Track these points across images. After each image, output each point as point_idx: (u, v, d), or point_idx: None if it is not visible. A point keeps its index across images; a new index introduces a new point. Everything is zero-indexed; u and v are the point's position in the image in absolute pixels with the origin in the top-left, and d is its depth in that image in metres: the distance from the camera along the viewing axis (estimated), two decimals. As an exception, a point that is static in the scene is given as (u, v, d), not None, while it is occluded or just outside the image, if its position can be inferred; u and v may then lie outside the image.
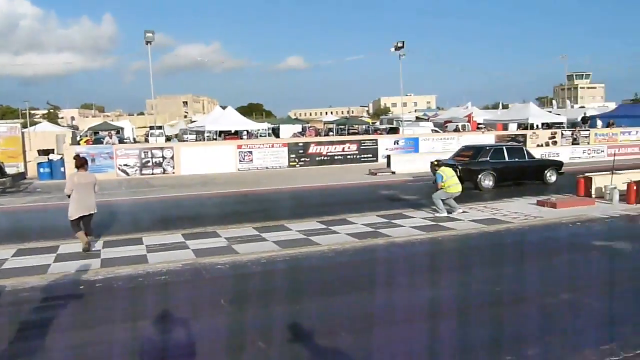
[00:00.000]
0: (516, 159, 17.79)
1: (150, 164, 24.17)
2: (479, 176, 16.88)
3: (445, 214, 12.14)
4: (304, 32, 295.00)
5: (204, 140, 35.98)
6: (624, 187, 13.52)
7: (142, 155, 24.13)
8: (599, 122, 40.16)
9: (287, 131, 44.64)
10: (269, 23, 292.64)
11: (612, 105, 68.86)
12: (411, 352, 5.20)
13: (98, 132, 42.02)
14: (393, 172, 23.38)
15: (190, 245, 9.75)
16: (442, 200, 12.33)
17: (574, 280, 7.42)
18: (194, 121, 56.43)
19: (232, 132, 38.38)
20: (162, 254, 9.14)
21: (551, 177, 18.05)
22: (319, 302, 6.73)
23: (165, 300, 6.84)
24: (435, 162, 13.48)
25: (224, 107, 41.20)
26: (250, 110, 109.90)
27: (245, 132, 39.35)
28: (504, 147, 18.23)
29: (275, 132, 45.26)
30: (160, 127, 34.39)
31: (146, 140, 38.49)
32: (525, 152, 18.53)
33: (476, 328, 5.80)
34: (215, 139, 35.67)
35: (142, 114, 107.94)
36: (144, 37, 28.53)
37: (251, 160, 25.63)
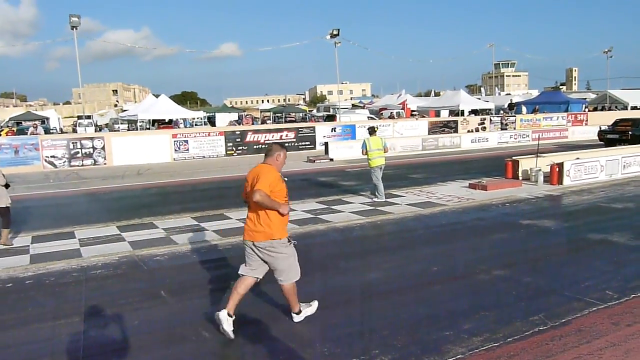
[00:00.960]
0: None
1: (79, 155, 23.10)
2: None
3: (384, 199, 12.37)
4: (238, 19, 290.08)
5: (136, 129, 34.76)
6: (548, 169, 14.36)
7: (71, 146, 23.01)
8: (524, 109, 42.26)
9: (223, 120, 43.88)
10: (202, 9, 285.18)
11: (535, 93, 72.72)
12: (352, 333, 5.31)
13: (21, 123, 39.57)
14: (331, 159, 23.60)
15: (126, 237, 9.44)
16: (378, 179, 12.53)
17: (504, 257, 7.82)
18: (125, 110, 54.30)
19: (167, 121, 37.33)
20: (97, 247, 8.81)
21: None
22: (260, 289, 6.72)
23: (102, 295, 6.61)
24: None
25: (156, 96, 39.94)
26: (184, 99, 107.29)
27: (180, 121, 38.37)
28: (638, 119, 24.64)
29: (211, 121, 44.42)
30: (89, 117, 32.94)
31: (74, 131, 36.73)
32: None
33: (415, 306, 6.01)
34: (149, 128, 34.57)
35: (68, 103, 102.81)
36: (68, 21, 27.03)
37: (187, 150, 25.07)
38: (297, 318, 5.54)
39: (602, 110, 48.14)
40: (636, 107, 47.94)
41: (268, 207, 5.14)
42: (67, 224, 10.71)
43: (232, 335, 5.13)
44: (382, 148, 12.65)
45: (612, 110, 47.27)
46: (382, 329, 5.31)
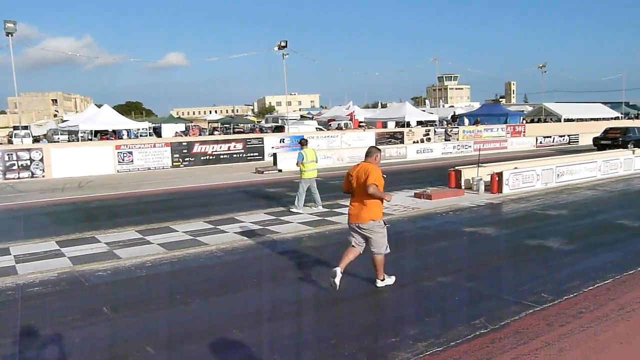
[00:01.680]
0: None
1: (15, 167, 22.03)
2: (629, 144, 25.72)
3: (302, 211, 12.51)
4: (185, 29, 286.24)
5: (78, 140, 33.55)
6: (489, 179, 14.93)
7: (6, 158, 21.91)
8: (466, 120, 43.79)
9: (170, 130, 43.13)
10: (147, 17, 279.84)
11: (477, 105, 75.49)
12: (300, 343, 5.34)
13: (-50, 133, 37.40)
14: (280, 170, 23.59)
15: (66, 252, 9.09)
16: (304, 191, 12.68)
17: (448, 264, 8.07)
18: (66, 120, 52.30)
19: (110, 131, 36.26)
20: (34, 263, 8.43)
21: None
22: (208, 302, 6.65)
23: (39, 314, 6.33)
24: None
25: (99, 106, 38.75)
26: (128, 109, 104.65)
27: (124, 132, 37.37)
28: (635, 127, 29.13)
29: (157, 132, 43.52)
30: (26, 127, 31.52)
31: (9, 142, 35.05)
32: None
33: (362, 314, 6.11)
34: (91, 139, 33.46)
35: (3, 112, 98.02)
36: (3, 27, 25.86)
37: (131, 161, 24.41)
38: (380, 283, 6.92)
39: (538, 122, 50.58)
40: (569, 119, 50.69)
41: (377, 197, 6.60)
42: (1, 239, 10.19)
43: (337, 287, 6.49)
44: (316, 160, 12.89)
45: (548, 122, 49.78)
46: (330, 338, 5.36)
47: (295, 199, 12.78)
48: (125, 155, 24.30)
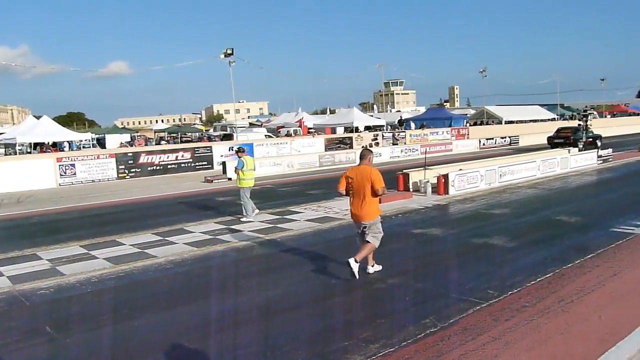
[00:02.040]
0: (589, 133, 29.10)
1: (-54, 184, 20.77)
2: (579, 142, 26.97)
3: (252, 218, 12.45)
4: (127, 36, 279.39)
5: (15, 154, 31.99)
6: (435, 181, 15.32)
7: None
8: (412, 124, 44.78)
9: (114, 141, 41.80)
10: (87, 27, 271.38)
11: (423, 109, 77.38)
12: (253, 353, 5.30)
13: None
14: (229, 179, 23.30)
15: (4, 271, 8.64)
16: (248, 199, 12.68)
17: (398, 266, 8.21)
18: (2, 133, 49.78)
19: (50, 144, 34.80)
20: (-31, 285, 7.97)
21: (598, 142, 29.36)
22: (157, 316, 6.50)
23: (-25, 337, 5.99)
24: None
25: (38, 117, 37.09)
26: (70, 120, 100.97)
27: (65, 144, 35.97)
28: (584, 127, 28.86)
29: (101, 143, 42.13)
30: (-44, 141, 29.78)
31: (-61, 157, 33.01)
32: (592, 130, 30.36)
33: (315, 319, 6.12)
34: (30, 152, 32.00)
35: None
36: None
37: (74, 174, 23.51)
38: (370, 270, 7.69)
39: (481, 124, 52.34)
40: (509, 121, 52.74)
41: (382, 196, 7.52)
42: None
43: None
44: (254, 168, 13.08)
45: (490, 124, 51.58)
46: (283, 345, 5.35)
47: (242, 210, 12.69)
48: (67, 167, 23.39)
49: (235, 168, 12.89)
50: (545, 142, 33.11)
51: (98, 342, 5.74)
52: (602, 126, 49.30)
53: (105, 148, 37.03)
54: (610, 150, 23.76)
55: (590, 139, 29.15)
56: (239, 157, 13.00)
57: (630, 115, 74.22)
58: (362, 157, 7.65)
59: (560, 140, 30.67)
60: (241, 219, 12.47)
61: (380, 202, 7.74)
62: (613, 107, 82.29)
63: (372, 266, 7.72)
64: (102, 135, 45.44)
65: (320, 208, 13.84)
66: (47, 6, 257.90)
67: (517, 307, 6.11)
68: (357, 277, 7.21)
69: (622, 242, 8.94)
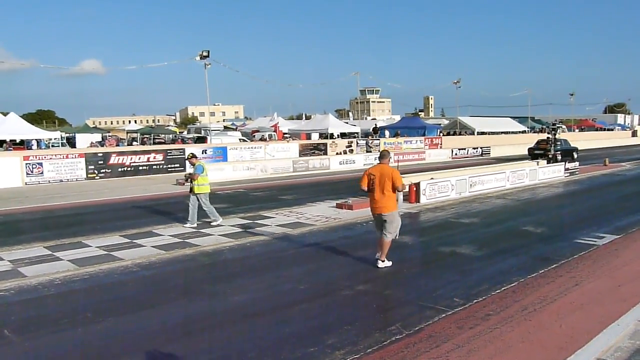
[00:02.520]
0: (567, 146, 31.89)
1: None
2: (557, 154, 27.31)
3: (222, 222, 12.20)
4: (101, 34, 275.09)
5: (-21, 151, 31.10)
6: (407, 189, 15.46)
7: None
8: (387, 133, 45.16)
9: (85, 141, 41.03)
10: (59, 21, 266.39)
11: (398, 118, 78.14)
12: (219, 358, 5.26)
13: None
14: (202, 182, 23.12)
15: (-38, 272, 8.37)
16: (209, 204, 12.22)
17: (367, 273, 8.25)
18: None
19: (17, 142, 33.96)
20: None
21: (575, 155, 31.52)
22: (121, 320, 6.38)
23: None
24: None
25: (5, 114, 36.16)
26: (39, 118, 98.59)
27: (33, 142, 35.14)
28: (561, 140, 31.12)
29: (71, 142, 41.30)
30: None
31: None
32: (569, 142, 33.39)
33: (282, 326, 6.10)
34: (-5, 150, 31.15)
35: None
36: None
37: (41, 173, 22.95)
38: (380, 264, 8.35)
39: (454, 134, 53.14)
40: (482, 132, 53.65)
41: (401, 191, 8.99)
42: None
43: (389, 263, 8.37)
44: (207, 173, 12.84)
45: (462, 135, 52.41)
46: (248, 352, 5.31)
47: (210, 216, 12.21)
48: (34, 166, 22.83)
49: (194, 174, 12.14)
50: (516, 153, 33.89)
51: (59, 347, 5.61)
52: (571, 140, 50.62)
53: (75, 147, 36.32)
54: (577, 163, 24.39)
55: (562, 151, 30.03)
56: (193, 164, 12.42)
57: (597, 130, 76.46)
58: (382, 157, 8.56)
59: (540, 151, 31.79)
60: (212, 224, 12.25)
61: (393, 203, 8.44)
62: (581, 121, 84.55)
63: (383, 261, 8.41)
64: (73, 135, 44.59)
65: (292, 214, 13.82)
66: (20, 1, 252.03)
67: (482, 315, 6.21)
68: (391, 263, 8.40)
69: (585, 253, 9.18)
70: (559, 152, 29.40)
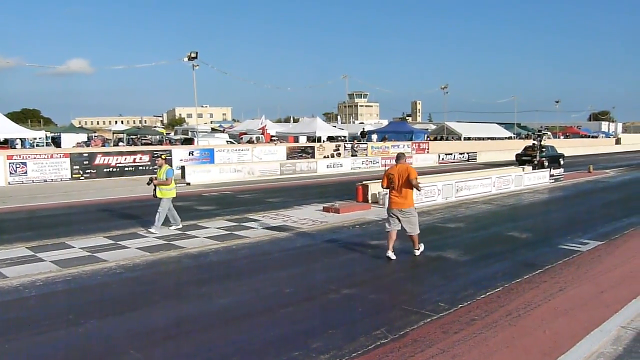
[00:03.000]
0: (553, 152, 33.13)
1: None
2: (542, 160, 27.42)
3: (159, 233, 11.28)
4: (88, 33, 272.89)
5: (-39, 149, 30.59)
6: (393, 193, 15.49)
7: None
8: (374, 137, 45.29)
9: (70, 140, 40.59)
10: (45, 19, 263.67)
11: (386, 122, 78.38)
12: (210, 358, 5.21)
13: None
14: (188, 183, 23.00)
15: (-59, 272, 8.21)
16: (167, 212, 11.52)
17: (353, 277, 8.25)
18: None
19: (1, 141, 33.48)
20: None
21: (561, 161, 32.62)
22: (104, 322, 6.30)
23: None
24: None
25: (-12, 112, 35.62)
26: (24, 117, 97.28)
27: (17, 141, 34.69)
28: (548, 146, 32.47)
29: (56, 142, 40.84)
30: None
31: None
32: (555, 149, 34.62)
33: (267, 329, 6.06)
34: (-22, 149, 30.62)
35: None
36: None
37: (25, 173, 22.64)
38: (417, 252, 9.27)
39: (441, 139, 53.42)
40: (468, 137, 54.05)
41: (418, 188, 9.07)
42: None
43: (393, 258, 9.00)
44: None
45: (449, 140, 52.72)
46: (232, 355, 5.28)
47: (156, 220, 11.38)
48: (17, 165, 22.51)
49: (168, 178, 11.46)
50: (502, 159, 34.12)
51: (40, 349, 5.51)
52: (556, 146, 51.18)
53: (60, 147, 35.89)
54: (561, 170, 24.65)
55: (549, 158, 30.43)
56: (161, 166, 11.72)
57: (582, 137, 77.39)
58: (398, 158, 9.38)
59: (527, 157, 31.90)
60: (150, 229, 11.34)
61: (416, 195, 9.70)
62: (566, 128, 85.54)
63: (418, 249, 9.30)
64: (58, 134, 44.09)
65: (279, 216, 13.78)
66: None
67: (467, 320, 6.22)
68: (423, 248, 9.37)
69: (568, 259, 9.26)
70: (545, 159, 29.81)
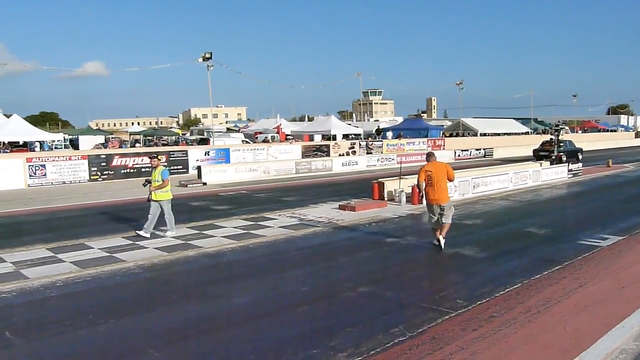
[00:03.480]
0: (571, 147, 32.19)
1: None
2: (561, 155, 26.12)
3: (174, 234, 11.17)
4: (104, 35, 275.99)
5: (-17, 153, 31.18)
6: (410, 190, 15.42)
7: None
8: (389, 134, 45.14)
9: (88, 142, 41.11)
10: (63, 22, 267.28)
11: (400, 119, 78.08)
12: (227, 358, 5.23)
13: None
14: (204, 183, 23.15)
15: (-35, 274, 8.37)
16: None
17: (369, 274, 8.23)
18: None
19: (21, 143, 34.06)
20: None
21: (580, 156, 32.06)
22: (123, 322, 6.37)
23: None
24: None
25: (8, 116, 36.25)
26: (42, 120, 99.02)
27: (36, 144, 35.24)
28: (566, 141, 30.56)
29: (74, 144, 41.40)
30: None
31: None
32: (574, 143, 34.35)
33: (283, 328, 6.07)
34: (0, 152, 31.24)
35: None
36: None
37: (44, 175, 22.99)
38: (442, 241, 9.62)
39: (456, 136, 53.04)
40: (484, 133, 53.57)
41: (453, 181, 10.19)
42: None
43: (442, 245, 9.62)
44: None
45: (465, 136, 52.31)
46: (249, 354, 5.29)
47: (167, 224, 11.27)
48: (37, 168, 22.88)
49: (165, 179, 11.16)
50: (519, 154, 33.76)
51: (61, 349, 5.59)
52: (574, 141, 50.50)
53: (78, 149, 36.38)
54: (580, 165, 24.30)
55: (567, 152, 29.77)
56: (156, 166, 11.43)
57: (600, 131, 76.26)
58: (430, 155, 9.97)
59: (545, 152, 31.32)
60: (165, 234, 11.21)
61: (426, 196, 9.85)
62: (584, 122, 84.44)
63: (444, 239, 9.68)
64: (76, 136, 44.71)
65: (295, 215, 13.80)
66: (23, 3, 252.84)
67: (485, 317, 6.17)
68: (443, 247, 9.59)
69: (588, 255, 9.12)
70: (563, 153, 29.35)
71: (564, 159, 26.85)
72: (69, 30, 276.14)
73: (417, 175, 10.11)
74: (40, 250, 10.05)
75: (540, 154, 31.98)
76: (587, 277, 7.76)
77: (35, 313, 6.73)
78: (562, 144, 30.07)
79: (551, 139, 28.90)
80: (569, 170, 22.64)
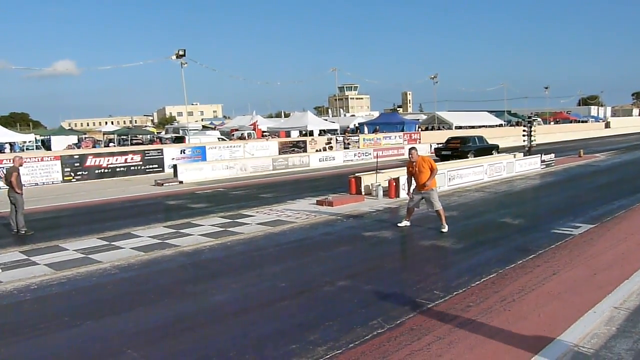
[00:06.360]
0: (483, 144, 28.24)
1: None
2: (468, 153, 25.94)
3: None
4: (74, 34, 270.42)
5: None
6: (386, 184, 15.53)
7: None
8: (366, 129, 45.34)
9: (60, 143, 40.34)
10: (30, 21, 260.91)
11: (376, 114, 78.45)
12: (200, 358, 5.21)
13: None
14: (181, 182, 22.93)
15: None
16: None
17: (348, 268, 8.27)
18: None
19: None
20: None
21: (494, 153, 27.07)
22: (100, 323, 6.29)
23: None
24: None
25: (-24, 117, 35.37)
26: (13, 121, 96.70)
27: (6, 145, 34.43)
28: (475, 137, 28.56)
29: (46, 145, 40.59)
30: None
31: None
32: (485, 139, 29.15)
33: (263, 323, 6.07)
34: (-33, 154, 30.37)
35: None
36: None
37: (15, 177, 22.43)
38: (444, 229, 10.49)
39: (432, 129, 53.56)
40: (459, 126, 54.21)
41: (436, 171, 10.76)
42: None
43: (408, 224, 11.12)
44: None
45: (441, 129, 52.84)
46: (229, 350, 5.28)
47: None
48: (7, 170, 22.30)
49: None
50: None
51: (37, 352, 5.49)
52: (546, 132, 51.49)
53: (50, 150, 35.67)
54: (552, 155, 24.78)
55: (477, 150, 27.31)
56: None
57: (571, 122, 77.85)
58: (413, 150, 10.99)
59: (448, 152, 27.54)
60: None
61: (430, 182, 10.72)
62: (556, 114, 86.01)
63: (445, 227, 10.54)
64: (48, 137, 43.83)
65: (272, 211, 13.78)
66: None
67: (462, 307, 6.27)
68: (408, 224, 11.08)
69: (561, 243, 9.33)
70: (471, 152, 26.12)
71: (471, 157, 24.56)
72: (38, 29, 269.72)
73: (394, 169, 10.66)
74: (13, 253, 9.85)
75: (442, 154, 27.78)
76: (560, 265, 7.94)
77: (9, 317, 6.59)
78: (469, 141, 27.29)
79: (458, 136, 26.83)
80: (542, 161, 23.09)
